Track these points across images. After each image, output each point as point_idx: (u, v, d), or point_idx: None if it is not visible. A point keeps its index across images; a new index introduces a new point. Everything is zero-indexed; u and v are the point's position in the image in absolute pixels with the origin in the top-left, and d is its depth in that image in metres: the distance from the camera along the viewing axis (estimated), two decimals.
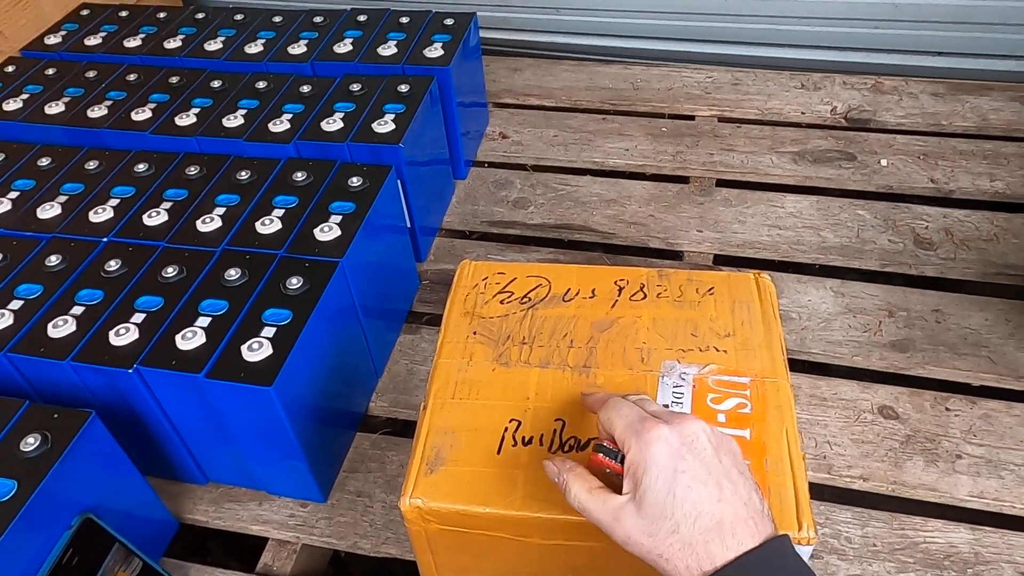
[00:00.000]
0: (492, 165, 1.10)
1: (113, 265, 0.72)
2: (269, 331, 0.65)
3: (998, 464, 0.72)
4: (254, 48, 1.01)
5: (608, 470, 0.44)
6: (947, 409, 0.77)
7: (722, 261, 0.94)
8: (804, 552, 0.47)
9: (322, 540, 0.72)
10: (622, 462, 0.44)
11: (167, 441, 0.71)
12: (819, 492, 0.71)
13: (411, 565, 0.64)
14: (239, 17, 1.09)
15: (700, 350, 0.57)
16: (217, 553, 0.84)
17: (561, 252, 0.98)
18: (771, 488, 0.49)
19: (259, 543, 0.73)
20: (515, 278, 0.64)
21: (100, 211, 0.78)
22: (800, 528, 0.47)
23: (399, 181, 0.84)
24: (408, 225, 0.90)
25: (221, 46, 1.03)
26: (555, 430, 0.53)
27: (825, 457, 0.74)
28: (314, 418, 0.69)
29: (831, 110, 1.14)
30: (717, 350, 0.57)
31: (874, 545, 0.68)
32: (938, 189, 1.00)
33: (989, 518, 0.70)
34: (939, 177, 1.01)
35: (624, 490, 0.43)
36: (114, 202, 0.80)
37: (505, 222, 1.01)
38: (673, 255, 0.97)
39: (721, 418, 0.52)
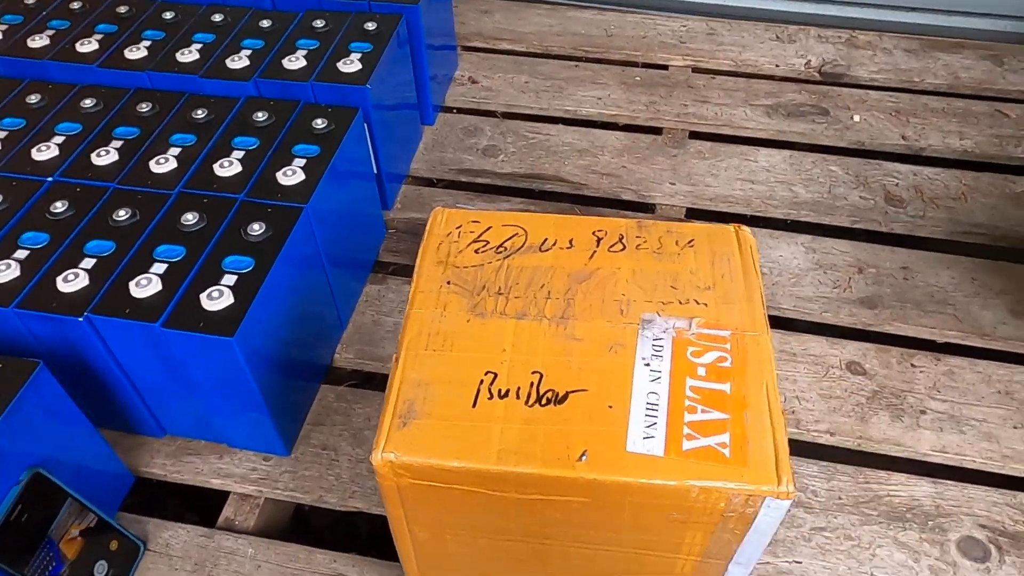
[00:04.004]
0: (461, 111, 1.07)
1: (59, 207, 0.67)
2: (230, 279, 0.62)
3: (960, 420, 0.74)
4: None
5: None
6: (912, 365, 0.78)
7: (694, 214, 0.93)
8: (782, 506, 0.47)
9: (286, 494, 0.70)
10: None
11: (121, 392, 0.68)
12: None
13: (377, 520, 0.63)
14: None
15: (680, 303, 0.56)
16: (175, 507, 0.81)
17: (532, 203, 0.95)
18: (751, 442, 0.48)
19: (219, 497, 0.71)
20: (490, 227, 0.61)
21: (43, 148, 0.73)
22: (780, 483, 0.47)
23: (366, 124, 0.81)
24: (375, 171, 0.86)
25: None
26: (532, 383, 0.52)
27: (793, 412, 0.74)
28: (277, 369, 0.66)
29: (805, 63, 1.12)
30: (697, 303, 0.56)
31: (839, 498, 0.69)
32: (909, 147, 1.00)
33: (950, 472, 0.71)
34: (910, 134, 1.01)
35: None
36: (59, 139, 0.75)
37: (474, 171, 0.98)
38: (645, 208, 0.95)
39: (701, 371, 0.51)
